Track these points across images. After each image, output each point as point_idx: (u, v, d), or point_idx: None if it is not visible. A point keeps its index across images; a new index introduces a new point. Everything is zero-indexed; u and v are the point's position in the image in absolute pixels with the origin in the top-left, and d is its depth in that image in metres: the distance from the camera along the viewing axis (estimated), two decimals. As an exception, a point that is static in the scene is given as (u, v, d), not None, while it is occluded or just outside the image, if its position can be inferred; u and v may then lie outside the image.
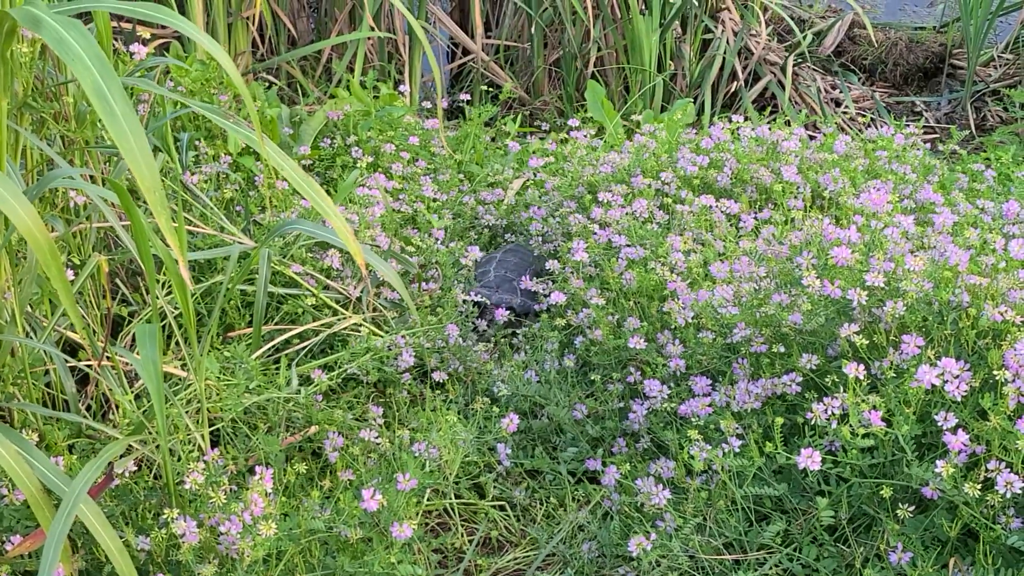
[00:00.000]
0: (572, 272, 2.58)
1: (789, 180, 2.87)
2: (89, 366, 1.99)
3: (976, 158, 3.73)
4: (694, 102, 4.52)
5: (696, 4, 4.68)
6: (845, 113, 4.91)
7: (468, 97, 3.87)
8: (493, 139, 4.23)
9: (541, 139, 4.24)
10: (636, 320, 2.34)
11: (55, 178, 1.49)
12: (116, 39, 4.23)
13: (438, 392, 2.51)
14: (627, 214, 2.78)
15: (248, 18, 4.58)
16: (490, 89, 4.67)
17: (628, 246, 2.60)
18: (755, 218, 2.66)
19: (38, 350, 1.87)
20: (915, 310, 1.81)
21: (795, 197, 2.76)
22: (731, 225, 2.75)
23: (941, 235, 2.02)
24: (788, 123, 4.31)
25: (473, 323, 2.77)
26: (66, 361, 1.99)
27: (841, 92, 5.01)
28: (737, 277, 2.14)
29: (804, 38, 4.88)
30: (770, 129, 3.14)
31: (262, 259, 2.44)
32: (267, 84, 4.66)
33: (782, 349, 1.94)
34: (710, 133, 3.13)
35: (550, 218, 3.07)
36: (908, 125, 3.38)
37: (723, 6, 4.88)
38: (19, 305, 1.63)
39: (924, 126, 4.97)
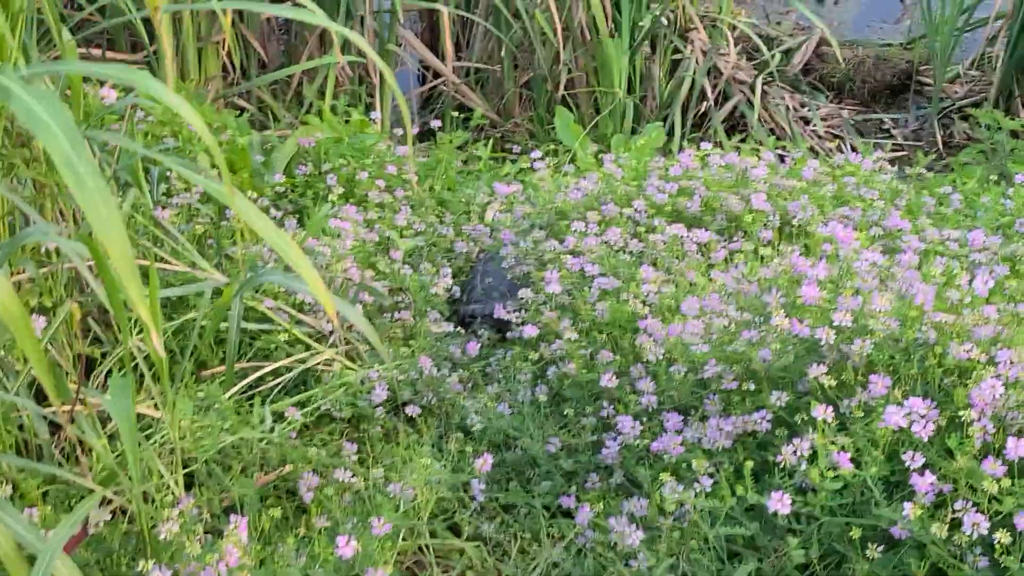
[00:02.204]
0: (545, 302, 2.59)
1: (759, 208, 2.89)
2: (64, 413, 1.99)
3: (943, 180, 3.76)
4: (664, 123, 4.55)
5: (666, 24, 4.71)
6: (814, 131, 4.96)
7: (440, 123, 3.87)
8: (465, 162, 4.25)
9: (513, 161, 4.26)
10: (609, 353, 2.36)
11: (28, 236, 1.49)
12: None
13: (412, 426, 2.52)
14: (601, 243, 2.80)
15: (218, 43, 4.59)
16: (461, 112, 4.69)
17: (601, 275, 2.61)
18: (726, 248, 2.68)
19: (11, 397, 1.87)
20: (882, 348, 1.84)
21: (765, 226, 2.79)
22: (701, 254, 2.77)
23: (907, 270, 2.04)
24: (758, 147, 4.35)
25: (447, 351, 2.79)
26: (40, 404, 1.99)
27: (810, 110, 5.05)
28: (708, 311, 2.16)
29: (773, 57, 4.92)
30: (739, 154, 3.16)
31: (235, 299, 2.44)
32: (238, 110, 4.67)
33: (752, 387, 1.96)
34: (679, 160, 3.15)
35: (521, 243, 3.08)
36: (876, 148, 3.41)
37: (692, 26, 4.92)
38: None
39: (892, 144, 5.02)
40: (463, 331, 2.97)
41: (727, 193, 2.98)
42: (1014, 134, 4.06)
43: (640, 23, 4.42)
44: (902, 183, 3.33)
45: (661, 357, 2.12)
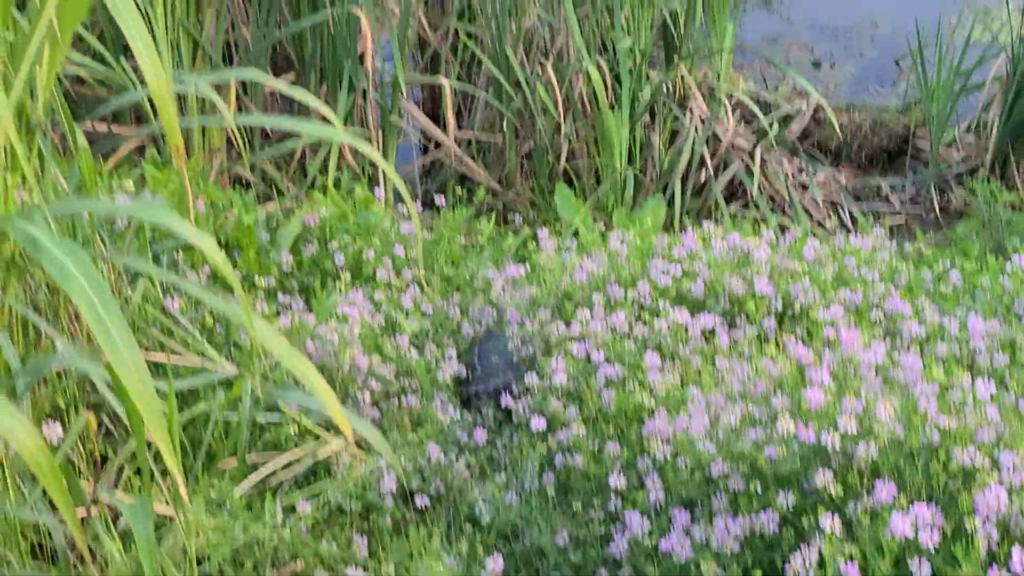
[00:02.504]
0: (551, 391, 2.62)
1: (761, 293, 2.92)
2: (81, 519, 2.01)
3: (943, 253, 3.81)
4: (664, 192, 4.60)
5: (665, 93, 4.77)
6: (812, 198, 5.01)
7: (443, 199, 3.92)
8: (468, 234, 4.28)
9: (515, 232, 4.30)
10: (616, 445, 2.38)
11: (50, 363, 1.52)
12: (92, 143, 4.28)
13: (421, 516, 2.54)
14: (607, 327, 2.83)
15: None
16: (463, 182, 4.74)
17: (606, 362, 2.64)
18: (728, 335, 2.72)
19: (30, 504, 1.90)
20: (887, 453, 1.86)
21: (768, 313, 2.82)
22: (706, 340, 2.80)
23: (910, 368, 2.07)
24: (758, 220, 4.39)
25: (455, 436, 2.81)
26: (54, 509, 2.01)
27: (808, 176, 5.10)
28: (713, 408, 2.19)
29: (771, 124, 4.97)
30: (741, 235, 3.20)
31: (245, 391, 2.47)
32: (243, 182, 4.71)
33: (759, 487, 1.99)
34: (681, 240, 3.19)
35: (527, 323, 3.11)
36: (875, 219, 3.46)
37: (690, 94, 4.97)
38: (11, 471, 1.66)
39: (890, 210, 5.07)
40: (469, 409, 3.01)
41: (730, 275, 3.02)
42: (1012, 206, 4.11)
43: (640, 95, 4.47)
44: (901, 260, 3.36)
45: (668, 457, 2.14)
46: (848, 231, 4.91)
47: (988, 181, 5.01)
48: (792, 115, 5.49)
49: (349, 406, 2.73)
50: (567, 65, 4.52)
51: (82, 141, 2.38)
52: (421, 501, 2.52)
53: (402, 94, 4.41)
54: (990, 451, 1.88)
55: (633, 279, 3.08)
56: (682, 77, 4.78)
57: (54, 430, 1.93)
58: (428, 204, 4.85)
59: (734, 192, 4.94)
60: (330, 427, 2.69)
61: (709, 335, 2.84)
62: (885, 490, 1.79)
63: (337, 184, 4.62)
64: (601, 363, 2.65)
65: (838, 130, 4.93)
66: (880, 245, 3.42)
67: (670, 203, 4.59)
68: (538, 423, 2.49)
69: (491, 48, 4.50)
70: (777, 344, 2.70)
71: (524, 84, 4.44)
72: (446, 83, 4.37)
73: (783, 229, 4.64)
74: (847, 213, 4.97)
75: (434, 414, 2.81)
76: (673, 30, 4.80)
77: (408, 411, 2.85)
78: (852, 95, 5.95)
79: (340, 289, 3.31)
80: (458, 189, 4.68)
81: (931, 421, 1.90)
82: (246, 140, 4.85)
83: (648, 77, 4.74)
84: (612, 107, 4.40)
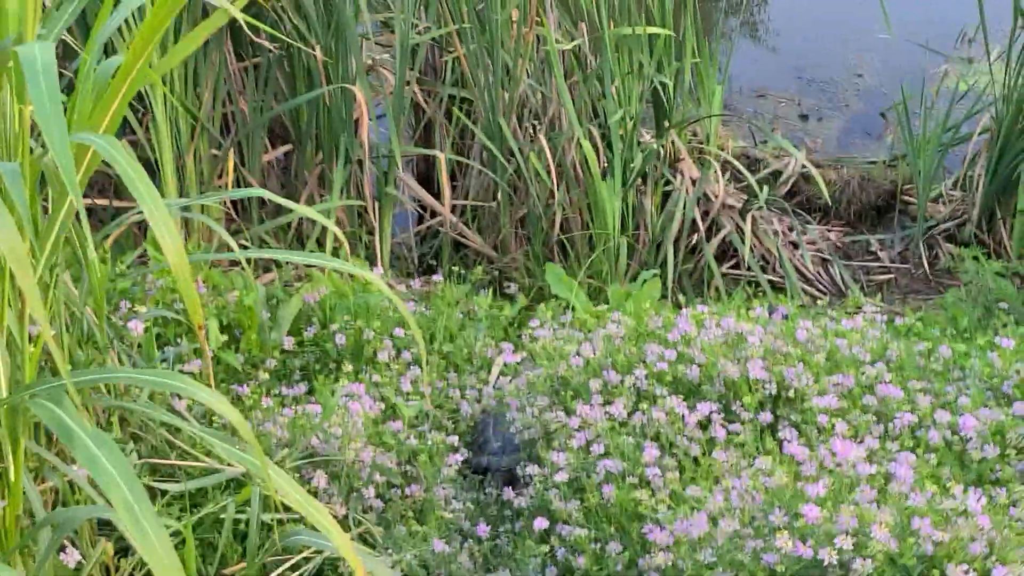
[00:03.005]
0: (552, 486, 2.68)
1: (756, 378, 2.99)
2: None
3: (934, 322, 3.88)
4: (657, 253, 4.67)
5: (657, 157, 4.85)
6: (802, 256, 5.08)
7: (439, 275, 3.98)
8: (465, 304, 4.35)
9: (512, 300, 4.36)
10: (617, 544, 2.44)
11: (72, 520, 1.58)
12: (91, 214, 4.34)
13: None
14: (605, 415, 2.89)
15: (221, 186, 4.70)
16: (459, 250, 4.81)
17: (606, 457, 2.70)
18: (724, 425, 2.78)
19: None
20: (883, 570, 1.92)
21: (762, 401, 2.88)
22: (702, 428, 2.86)
23: (902, 478, 2.13)
24: (751, 290, 4.46)
25: (460, 527, 2.87)
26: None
27: (798, 235, 5.18)
28: (711, 512, 2.25)
29: (761, 185, 5.05)
30: (735, 319, 3.26)
31: (254, 495, 2.53)
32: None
33: (759, 598, 2.04)
34: (676, 323, 3.25)
35: (527, 409, 3.17)
36: (867, 303, 3.52)
37: (680, 157, 5.05)
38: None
39: (879, 266, 5.14)
40: (474, 490, 3.08)
41: (724, 360, 3.08)
42: (1000, 273, 4.19)
43: (632, 162, 4.55)
44: (892, 335, 3.43)
45: (670, 565, 2.20)
46: (840, 290, 4.99)
47: (975, 237, 5.11)
48: (781, 171, 5.57)
49: (353, 500, 2.78)
50: (559, 133, 4.59)
51: (91, 253, 2.44)
52: (428, 599, 2.58)
53: (398, 166, 4.47)
54: (982, 565, 1.94)
55: (630, 364, 3.14)
56: (672, 141, 4.86)
57: (71, 557, 1.98)
58: (425, 271, 4.92)
59: (726, 251, 5.01)
60: (336, 522, 2.74)
61: (706, 422, 2.90)
62: (881, 609, 1.84)
63: (336, 255, 4.69)
64: (600, 456, 2.71)
65: (825, 192, 5.00)
66: (871, 321, 3.50)
67: (663, 266, 4.66)
68: (541, 523, 2.54)
69: (484, 117, 4.57)
70: (773, 435, 2.76)
71: (517, 152, 4.51)
72: (441, 156, 4.45)
73: (776, 288, 4.72)
74: (838, 272, 5.04)
75: (438, 503, 2.87)
76: (663, 95, 4.88)
77: (412, 500, 2.91)
78: (840, 148, 6.04)
79: (340, 377, 3.36)
80: (454, 255, 4.75)
81: (924, 536, 1.96)
82: (243, 207, 4.91)
83: (640, 143, 4.82)
84: (605, 174, 4.47)
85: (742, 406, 2.97)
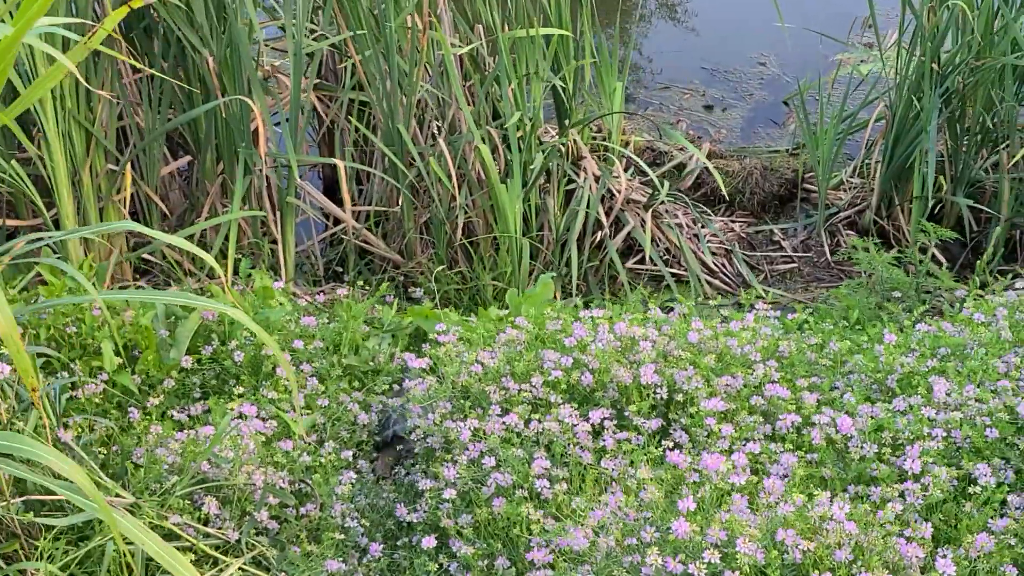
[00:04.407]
0: (442, 503, 2.70)
1: (647, 383, 3.02)
2: None
3: (827, 314, 3.94)
4: (562, 254, 4.69)
5: (560, 156, 4.87)
6: (708, 246, 5.13)
7: (344, 286, 3.98)
8: (370, 311, 4.35)
9: (417, 303, 4.36)
10: (506, 560, 2.46)
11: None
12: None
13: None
14: (502, 425, 2.92)
15: (119, 201, 4.65)
16: (364, 256, 4.81)
17: (496, 470, 2.73)
18: (613, 436, 2.81)
19: None
20: (751, 580, 1.96)
21: (650, 412, 2.92)
22: (596, 434, 2.89)
23: (773, 490, 2.17)
24: (654, 294, 4.49)
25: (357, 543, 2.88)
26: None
27: (702, 227, 5.23)
28: (593, 526, 2.28)
29: (663, 181, 5.09)
30: (628, 323, 3.29)
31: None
32: (145, 266, 4.73)
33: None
34: (572, 330, 3.28)
35: (429, 416, 3.17)
36: (757, 303, 3.57)
37: (582, 155, 5.08)
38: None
39: (782, 256, 5.21)
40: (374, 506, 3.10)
41: (617, 366, 3.11)
42: (895, 261, 4.26)
43: (532, 166, 4.56)
44: (783, 332, 3.48)
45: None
46: (745, 280, 5.05)
47: (875, 224, 5.19)
48: (685, 163, 5.63)
49: (247, 524, 2.78)
50: (460, 137, 4.60)
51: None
52: (318, 622, 2.59)
53: (295, 176, 4.45)
54: (847, 571, 1.98)
55: (528, 372, 3.17)
56: (574, 140, 4.88)
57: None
58: (332, 278, 4.91)
59: (632, 246, 5.05)
60: (228, 549, 2.75)
61: (600, 428, 2.94)
62: (748, 623, 1.88)
63: (237, 267, 4.66)
64: (492, 470, 2.73)
65: (722, 185, 5.06)
66: (763, 319, 3.55)
67: (567, 265, 4.69)
68: (429, 542, 2.56)
69: (383, 123, 4.57)
70: (664, 440, 2.80)
71: (417, 157, 4.51)
72: (340, 164, 4.43)
73: (681, 281, 4.77)
74: (741, 263, 5.10)
75: (333, 522, 2.87)
76: (563, 95, 4.90)
77: (308, 520, 2.91)
78: (744, 137, 6.10)
79: (235, 397, 3.35)
80: (360, 262, 4.75)
81: (791, 545, 2.00)
82: (147, 220, 4.86)
83: (542, 143, 4.84)
84: (505, 178, 4.49)
85: (636, 412, 3.02)
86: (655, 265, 4.97)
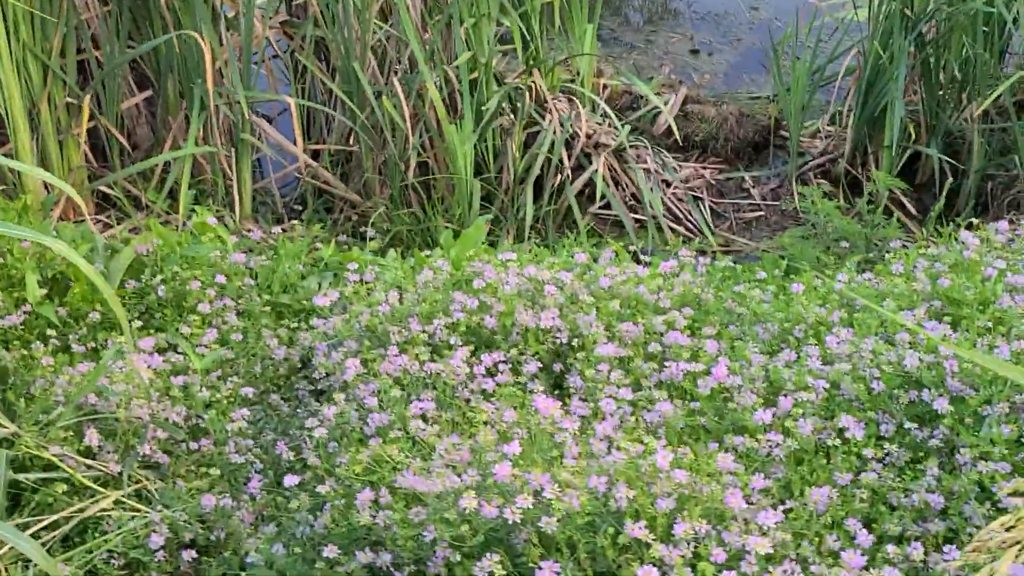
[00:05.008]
0: (315, 448, 2.70)
1: (546, 327, 3.00)
2: None
3: (762, 265, 3.88)
4: (512, 204, 4.66)
5: (528, 99, 4.81)
6: (674, 194, 5.07)
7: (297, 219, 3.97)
8: (315, 249, 4.34)
9: (362, 247, 4.35)
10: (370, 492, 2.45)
11: None
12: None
13: (196, 567, 2.62)
14: (399, 367, 2.90)
15: (78, 135, 4.67)
16: (322, 196, 4.80)
17: (375, 411, 2.72)
18: (492, 378, 2.79)
19: None
20: (566, 526, 1.94)
21: (549, 357, 2.89)
22: (491, 376, 2.87)
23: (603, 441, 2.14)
24: (606, 240, 4.44)
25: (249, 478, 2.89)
26: None
27: (671, 172, 5.17)
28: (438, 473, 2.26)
29: (635, 126, 5.03)
30: (547, 267, 3.26)
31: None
32: (106, 199, 4.75)
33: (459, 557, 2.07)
34: (482, 272, 3.25)
35: (332, 354, 3.17)
36: (683, 249, 3.52)
37: (551, 97, 5.02)
38: None
39: (750, 204, 5.14)
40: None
41: (522, 309, 3.08)
42: (846, 210, 4.18)
43: (486, 107, 4.52)
44: (707, 282, 3.43)
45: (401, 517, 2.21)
46: (709, 228, 4.99)
47: (847, 173, 5.10)
48: (662, 108, 5.54)
49: (131, 458, 2.79)
50: (415, 76, 4.55)
51: None
52: (188, 556, 2.60)
53: (249, 112, 4.43)
54: (667, 520, 1.96)
55: (432, 314, 3.15)
56: (535, 82, 4.82)
57: None
58: (293, 216, 4.90)
59: (594, 193, 4.99)
60: (108, 481, 2.76)
61: (495, 371, 2.92)
62: (549, 569, 1.87)
63: (199, 201, 4.67)
64: (372, 411, 2.72)
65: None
66: (689, 265, 3.50)
67: (520, 212, 4.65)
68: (291, 480, 2.56)
69: (339, 62, 4.54)
70: (558, 388, 2.79)
71: (372, 97, 4.48)
72: (291, 101, 4.41)
73: (646, 228, 4.72)
74: (705, 211, 5.04)
75: (225, 458, 2.88)
76: (528, 37, 4.84)
77: (201, 455, 2.92)
78: (728, 83, 6.01)
79: (152, 331, 3.37)
80: (316, 201, 4.74)
81: (606, 493, 1.97)
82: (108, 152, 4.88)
83: (501, 83, 4.79)
84: (459, 119, 4.44)
85: (534, 356, 2.99)
86: (624, 210, 4.92)
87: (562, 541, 1.95)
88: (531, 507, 1.95)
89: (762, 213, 5.07)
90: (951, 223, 4.76)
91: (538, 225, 4.80)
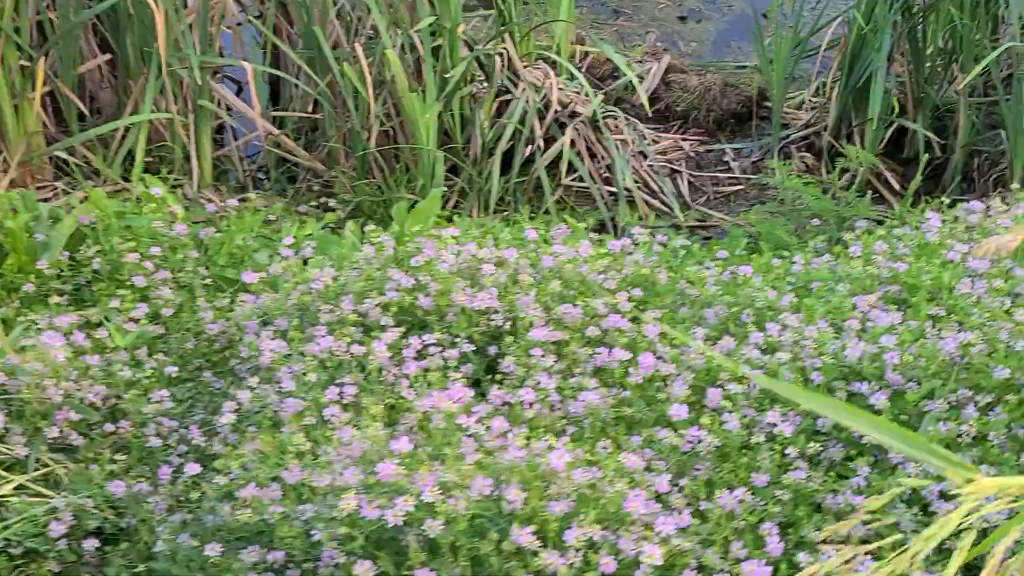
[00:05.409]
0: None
1: (482, 307, 2.87)
2: None
3: (735, 240, 3.73)
4: (479, 175, 4.51)
5: (500, 67, 4.65)
6: (650, 167, 4.92)
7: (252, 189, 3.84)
8: (272, 222, 4.21)
9: (319, 219, 4.22)
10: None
11: None
12: None
13: (102, 555, 2.52)
14: (326, 348, 2.78)
15: (32, 99, 4.53)
16: (284, 164, 4.66)
17: (290, 396, 2.60)
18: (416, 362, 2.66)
19: None
20: (453, 530, 1.82)
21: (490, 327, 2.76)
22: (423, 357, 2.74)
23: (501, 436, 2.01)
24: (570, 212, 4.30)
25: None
26: None
27: (649, 144, 5.01)
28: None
29: (615, 96, 4.87)
30: (478, 245, 3.12)
31: None
32: (65, 166, 4.62)
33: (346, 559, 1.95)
34: (421, 248, 3.11)
35: (263, 333, 3.03)
36: (635, 227, 3.37)
37: (525, 65, 4.86)
38: None
39: (729, 177, 4.98)
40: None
41: (459, 288, 2.94)
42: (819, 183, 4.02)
43: (449, 74, 4.36)
44: (660, 261, 3.29)
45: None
46: (686, 202, 4.83)
47: (831, 146, 4.93)
48: (644, 77, 5.38)
49: (37, 441, 2.68)
50: (378, 41, 4.40)
51: None
52: (89, 545, 2.49)
53: (195, 78, 4.28)
54: (563, 524, 1.83)
55: (365, 292, 3.02)
56: (507, 49, 4.67)
57: None
58: (258, 186, 4.77)
59: (571, 164, 4.83)
60: (14, 464, 2.65)
61: (426, 353, 2.78)
62: (425, 577, 1.74)
63: (157, 170, 4.54)
64: (286, 395, 2.60)
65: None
66: (644, 243, 3.36)
67: (488, 182, 4.51)
68: (192, 468, 2.44)
69: (301, 26, 4.39)
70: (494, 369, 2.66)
71: (333, 63, 4.33)
72: (248, 67, 4.27)
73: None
74: (685, 183, 4.89)
75: (142, 441, 2.77)
76: (502, 3, 4.68)
77: (118, 437, 2.81)
78: (715, 51, 5.83)
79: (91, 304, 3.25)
80: (277, 170, 4.61)
81: (506, 496, 1.85)
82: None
83: (473, 49, 4.64)
84: (420, 88, 4.30)
85: (467, 338, 2.86)
86: (595, 183, 4.77)
87: (445, 546, 1.82)
88: (413, 510, 1.82)
89: (741, 187, 4.90)
90: (936, 200, 4.61)
91: (509, 197, 4.65)
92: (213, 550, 2.09)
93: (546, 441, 2.01)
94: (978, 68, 4.18)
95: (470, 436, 2.02)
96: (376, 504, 1.84)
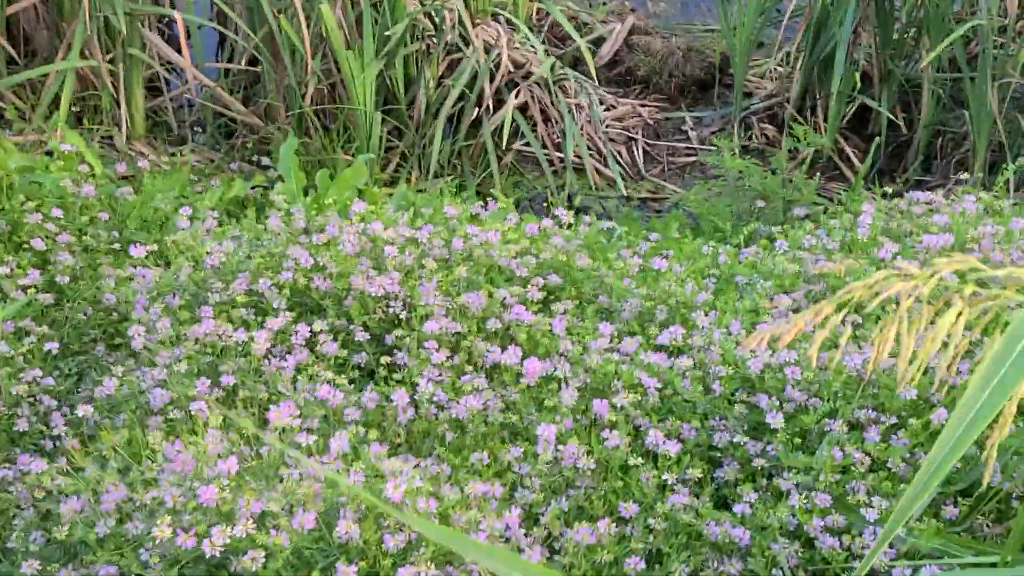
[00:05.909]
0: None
1: (376, 294, 2.70)
2: None
3: (675, 220, 3.55)
4: (424, 139, 4.33)
5: (444, 16, 4.45)
6: (605, 133, 4.73)
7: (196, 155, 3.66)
8: (197, 180, 4.04)
9: (247, 178, 4.04)
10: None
11: None
12: None
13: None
14: (212, 332, 2.62)
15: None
16: (222, 117, 4.48)
17: (157, 387, 2.44)
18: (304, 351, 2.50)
19: None
20: (276, 563, 1.67)
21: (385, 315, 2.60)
22: (311, 347, 2.58)
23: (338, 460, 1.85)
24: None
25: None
26: None
27: (606, 109, 4.82)
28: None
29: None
30: (388, 222, 2.95)
31: None
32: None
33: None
34: (323, 226, 2.94)
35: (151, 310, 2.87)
36: (559, 208, 3.18)
37: (477, 22, 4.66)
38: None
39: (687, 147, 4.79)
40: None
41: (355, 273, 2.78)
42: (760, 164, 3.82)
43: (391, 32, 4.16)
44: (581, 245, 3.11)
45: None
46: (640, 172, 4.65)
47: (793, 119, 4.73)
48: (605, 37, 5.17)
49: None
50: (318, -3, 4.20)
51: None
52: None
53: (121, 25, 4.07)
54: (394, 562, 1.68)
55: (260, 270, 2.85)
56: (455, 5, 4.46)
57: None
58: (193, 140, 4.59)
59: (518, 129, 4.64)
60: None
61: (315, 342, 2.62)
62: (231, 620, 1.59)
63: (81, 120, 4.36)
64: (153, 387, 2.44)
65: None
66: (572, 224, 3.19)
67: (425, 147, 4.32)
68: (38, 466, 2.28)
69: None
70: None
71: (270, 16, 4.13)
72: (178, 16, 4.07)
73: (575, 169, 4.39)
74: (640, 151, 4.70)
75: (9, 424, 2.61)
76: (454, -44, 4.47)
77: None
78: (684, 13, 5.61)
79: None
80: (212, 124, 4.42)
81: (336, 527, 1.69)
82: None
83: (425, 4, 4.43)
84: (355, 45, 4.10)
85: (362, 327, 2.70)
86: (545, 149, 4.58)
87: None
88: (229, 540, 1.67)
89: (697, 158, 4.71)
90: (898, 182, 4.43)
91: (455, 161, 4.47)
92: (29, 567, 1.93)
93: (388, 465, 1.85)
94: (941, 46, 3.98)
95: (311, 456, 1.86)
96: (194, 532, 1.68)
